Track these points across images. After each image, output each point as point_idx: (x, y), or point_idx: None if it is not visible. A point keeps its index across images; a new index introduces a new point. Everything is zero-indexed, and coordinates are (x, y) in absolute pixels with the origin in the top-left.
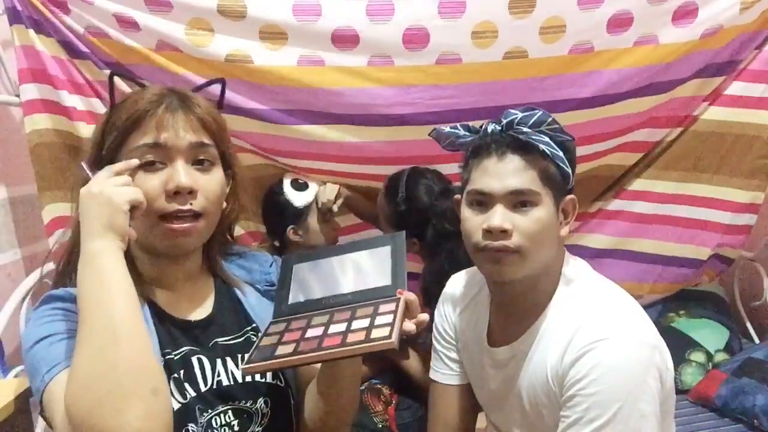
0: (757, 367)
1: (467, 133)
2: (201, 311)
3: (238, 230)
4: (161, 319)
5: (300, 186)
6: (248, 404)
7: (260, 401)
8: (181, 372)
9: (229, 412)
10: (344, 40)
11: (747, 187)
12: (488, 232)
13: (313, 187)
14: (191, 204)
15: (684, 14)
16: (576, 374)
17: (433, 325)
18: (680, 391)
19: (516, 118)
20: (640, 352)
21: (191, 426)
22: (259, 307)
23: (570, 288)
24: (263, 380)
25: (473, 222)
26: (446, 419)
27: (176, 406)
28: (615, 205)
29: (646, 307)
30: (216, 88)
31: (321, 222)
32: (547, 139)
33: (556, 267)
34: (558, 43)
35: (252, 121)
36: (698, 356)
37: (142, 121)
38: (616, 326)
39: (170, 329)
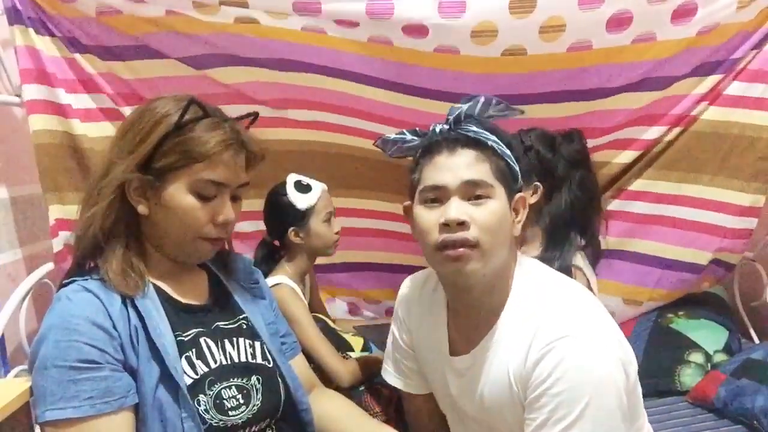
0: (756, 367)
1: (415, 137)
2: (201, 298)
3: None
4: (170, 303)
5: (303, 188)
6: (243, 381)
7: (253, 378)
8: (193, 351)
9: (233, 387)
10: (345, 24)
11: (747, 190)
12: (446, 226)
13: (316, 190)
14: (227, 231)
15: (683, 13)
16: (540, 374)
17: (390, 330)
18: (679, 392)
19: (461, 110)
20: (602, 347)
21: (201, 396)
22: (246, 301)
23: (524, 288)
24: (254, 361)
25: (428, 218)
26: (420, 426)
27: (189, 381)
28: (614, 205)
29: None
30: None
31: (322, 225)
32: (495, 137)
33: (510, 268)
34: (557, 41)
35: (256, 70)
36: (697, 357)
37: (211, 158)
38: (576, 323)
39: (178, 313)
